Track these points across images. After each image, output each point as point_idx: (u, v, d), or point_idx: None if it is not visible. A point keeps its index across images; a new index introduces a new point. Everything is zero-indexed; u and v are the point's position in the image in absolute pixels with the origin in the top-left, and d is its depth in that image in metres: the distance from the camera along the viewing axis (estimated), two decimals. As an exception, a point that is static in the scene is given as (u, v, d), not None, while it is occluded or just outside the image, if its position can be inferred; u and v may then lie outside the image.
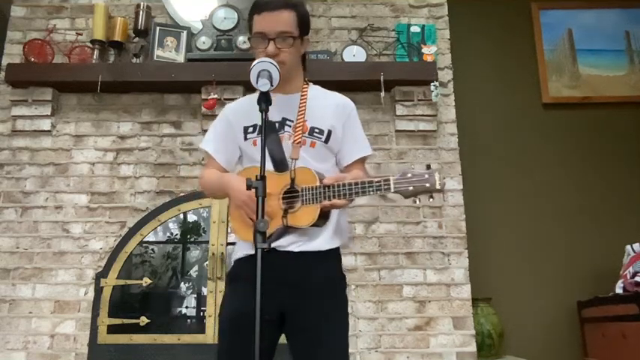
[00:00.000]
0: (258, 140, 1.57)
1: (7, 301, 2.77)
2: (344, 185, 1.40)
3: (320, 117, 1.60)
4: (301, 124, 1.57)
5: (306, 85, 1.66)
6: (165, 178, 2.96)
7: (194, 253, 2.93)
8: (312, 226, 1.47)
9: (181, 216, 2.92)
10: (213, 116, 2.95)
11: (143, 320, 2.74)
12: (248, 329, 1.24)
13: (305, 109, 1.59)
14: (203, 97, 2.96)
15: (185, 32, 3.09)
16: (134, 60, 3.05)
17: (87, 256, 2.84)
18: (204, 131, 2.97)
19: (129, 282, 2.82)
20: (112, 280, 2.78)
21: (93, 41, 3.05)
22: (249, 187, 1.36)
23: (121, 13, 3.19)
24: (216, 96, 2.92)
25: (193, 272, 2.90)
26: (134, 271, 2.85)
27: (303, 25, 1.60)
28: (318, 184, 1.45)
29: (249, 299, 1.26)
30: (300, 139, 1.54)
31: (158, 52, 3.03)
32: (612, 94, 3.77)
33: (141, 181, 2.96)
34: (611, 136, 3.68)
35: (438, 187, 1.35)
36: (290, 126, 1.58)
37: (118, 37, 3.07)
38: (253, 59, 1.64)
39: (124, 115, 3.05)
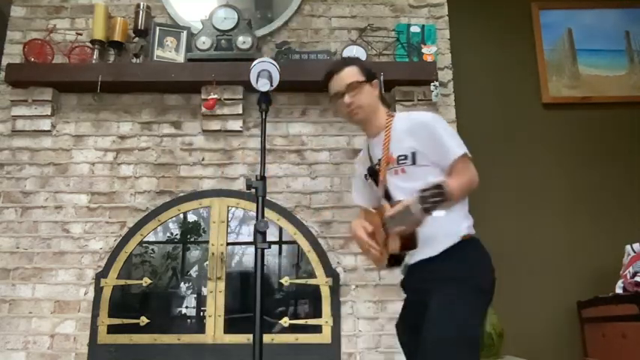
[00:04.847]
0: (372, 183, 1.85)
1: (7, 301, 2.77)
2: (392, 216, 1.57)
3: (401, 144, 1.74)
4: (385, 160, 1.76)
5: (389, 119, 1.81)
6: (165, 178, 2.96)
7: (194, 253, 2.93)
8: (403, 250, 1.63)
9: (181, 216, 2.92)
10: (213, 116, 2.96)
11: (143, 320, 2.74)
12: (406, 337, 1.80)
13: (388, 145, 1.76)
14: (203, 97, 2.96)
15: (185, 32, 3.09)
16: (134, 60, 3.05)
17: (87, 256, 2.84)
18: (204, 131, 3.00)
19: (129, 282, 2.81)
20: (112, 280, 2.78)
21: (93, 41, 3.05)
22: (249, 187, 1.39)
23: (121, 13, 3.19)
24: (216, 96, 2.92)
25: (193, 272, 2.90)
26: (134, 271, 2.85)
27: (367, 72, 1.83)
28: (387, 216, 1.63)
29: (405, 311, 1.86)
30: (384, 176, 1.75)
31: (158, 52, 3.03)
32: (612, 94, 3.77)
33: (141, 181, 2.96)
34: (611, 136, 3.68)
35: (447, 196, 1.43)
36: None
37: (117, 37, 3.07)
38: (253, 59, 1.64)
39: (124, 115, 3.05)
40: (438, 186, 1.40)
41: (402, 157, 1.72)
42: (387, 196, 1.75)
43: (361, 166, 1.95)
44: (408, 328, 1.78)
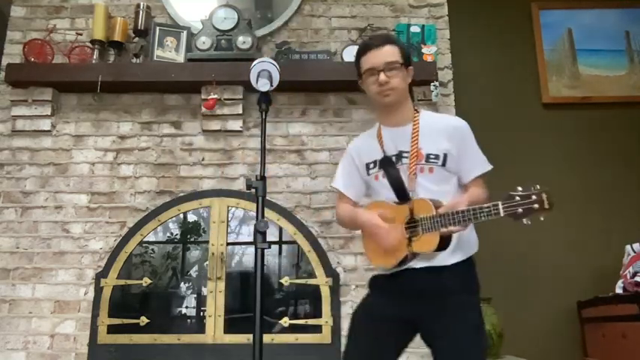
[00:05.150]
0: (380, 175, 1.72)
1: (7, 301, 2.77)
2: (457, 213, 1.51)
3: (434, 142, 1.68)
4: (415, 154, 1.66)
5: (416, 114, 1.75)
6: (165, 178, 2.96)
7: (194, 253, 2.93)
8: (436, 250, 1.57)
9: (181, 216, 2.92)
10: (213, 116, 2.96)
11: (143, 320, 2.73)
12: (372, 328, 1.66)
13: (418, 139, 1.68)
14: (203, 97, 2.96)
15: (185, 32, 3.09)
16: (134, 60, 3.05)
17: (87, 256, 2.84)
18: (204, 131, 2.99)
19: (129, 282, 2.81)
20: (112, 280, 2.78)
21: (93, 41, 3.05)
22: (249, 187, 1.38)
23: (121, 13, 3.19)
24: (216, 96, 2.92)
25: (193, 272, 2.90)
26: (134, 271, 2.84)
27: (406, 56, 1.74)
28: (434, 213, 1.55)
29: (377, 306, 1.69)
30: (414, 171, 1.65)
31: (158, 52, 3.03)
32: (612, 94, 3.77)
33: (141, 181, 2.96)
34: (611, 136, 3.68)
35: (546, 206, 1.41)
36: (407, 157, 1.68)
37: (117, 37, 3.07)
38: (253, 59, 1.64)
39: (124, 115, 3.05)
40: (542, 193, 1.39)
41: (433, 156, 1.65)
42: (401, 190, 1.66)
43: (364, 154, 1.79)
44: (386, 322, 1.66)
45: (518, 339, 3.21)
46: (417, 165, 1.65)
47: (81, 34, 3.13)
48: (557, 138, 3.68)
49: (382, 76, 1.66)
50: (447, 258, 1.61)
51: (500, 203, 1.45)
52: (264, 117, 1.60)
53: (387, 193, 1.69)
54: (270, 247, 1.40)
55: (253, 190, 1.51)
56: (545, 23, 3.90)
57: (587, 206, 3.55)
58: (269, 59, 1.70)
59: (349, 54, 3.03)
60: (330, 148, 3.00)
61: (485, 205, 1.47)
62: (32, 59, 3.02)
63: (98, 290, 2.76)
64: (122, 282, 2.79)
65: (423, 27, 3.13)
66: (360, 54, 1.74)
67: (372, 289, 1.80)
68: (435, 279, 1.61)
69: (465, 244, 1.66)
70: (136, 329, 2.72)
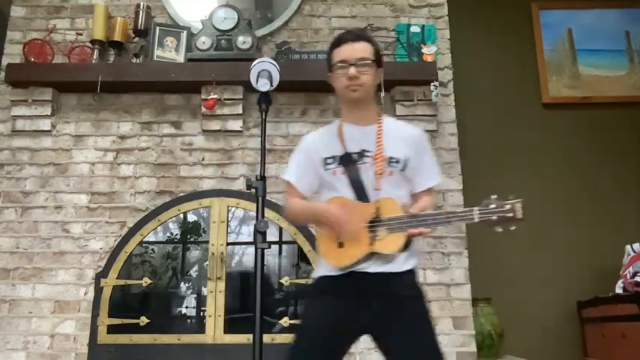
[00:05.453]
0: (338, 170, 1.67)
1: (7, 301, 2.77)
2: (430, 215, 1.52)
3: (396, 147, 1.67)
4: (380, 154, 1.65)
5: (380, 118, 1.75)
6: (165, 178, 2.96)
7: (194, 253, 2.93)
8: (402, 251, 1.56)
9: (181, 216, 2.92)
10: (213, 116, 2.96)
11: (143, 320, 2.73)
12: (328, 332, 1.58)
13: (382, 141, 1.68)
14: (203, 97, 2.96)
15: (185, 32, 3.09)
16: (134, 60, 3.05)
17: (87, 256, 2.84)
18: (204, 131, 2.99)
19: (129, 282, 2.81)
20: (112, 280, 2.78)
21: (93, 41, 3.05)
22: (249, 187, 1.38)
23: (121, 13, 3.19)
24: (216, 96, 2.92)
25: (193, 272, 2.90)
26: (134, 271, 2.84)
27: (378, 56, 1.72)
28: (402, 213, 1.54)
29: (331, 311, 1.59)
30: (382, 170, 1.63)
31: (158, 52, 3.03)
32: (612, 94, 3.77)
33: (141, 181, 2.96)
34: (611, 136, 3.68)
35: (519, 216, 1.46)
36: (369, 156, 1.66)
37: (117, 37, 3.07)
38: (253, 59, 1.64)
39: (124, 115, 3.05)
40: (516, 203, 1.43)
41: (394, 160, 1.65)
42: (360, 188, 1.63)
43: (321, 148, 1.72)
44: (341, 325, 1.61)
45: (518, 339, 3.21)
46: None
47: (81, 34, 3.13)
48: (557, 138, 3.68)
49: (352, 70, 1.64)
50: (402, 264, 1.60)
51: (476, 209, 1.47)
52: (264, 117, 1.60)
53: (345, 190, 1.64)
54: (270, 247, 1.41)
55: (253, 190, 1.51)
56: (545, 23, 3.90)
57: (587, 206, 3.55)
58: (269, 59, 1.70)
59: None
60: (330, 148, 3.00)
61: (460, 210, 1.50)
62: (32, 59, 3.02)
63: (98, 290, 2.77)
64: (122, 282, 2.79)
65: (423, 27, 3.13)
66: (333, 46, 1.72)
67: (322, 293, 1.67)
68: (390, 284, 1.59)
69: (415, 252, 1.67)
70: (136, 329, 2.72)
